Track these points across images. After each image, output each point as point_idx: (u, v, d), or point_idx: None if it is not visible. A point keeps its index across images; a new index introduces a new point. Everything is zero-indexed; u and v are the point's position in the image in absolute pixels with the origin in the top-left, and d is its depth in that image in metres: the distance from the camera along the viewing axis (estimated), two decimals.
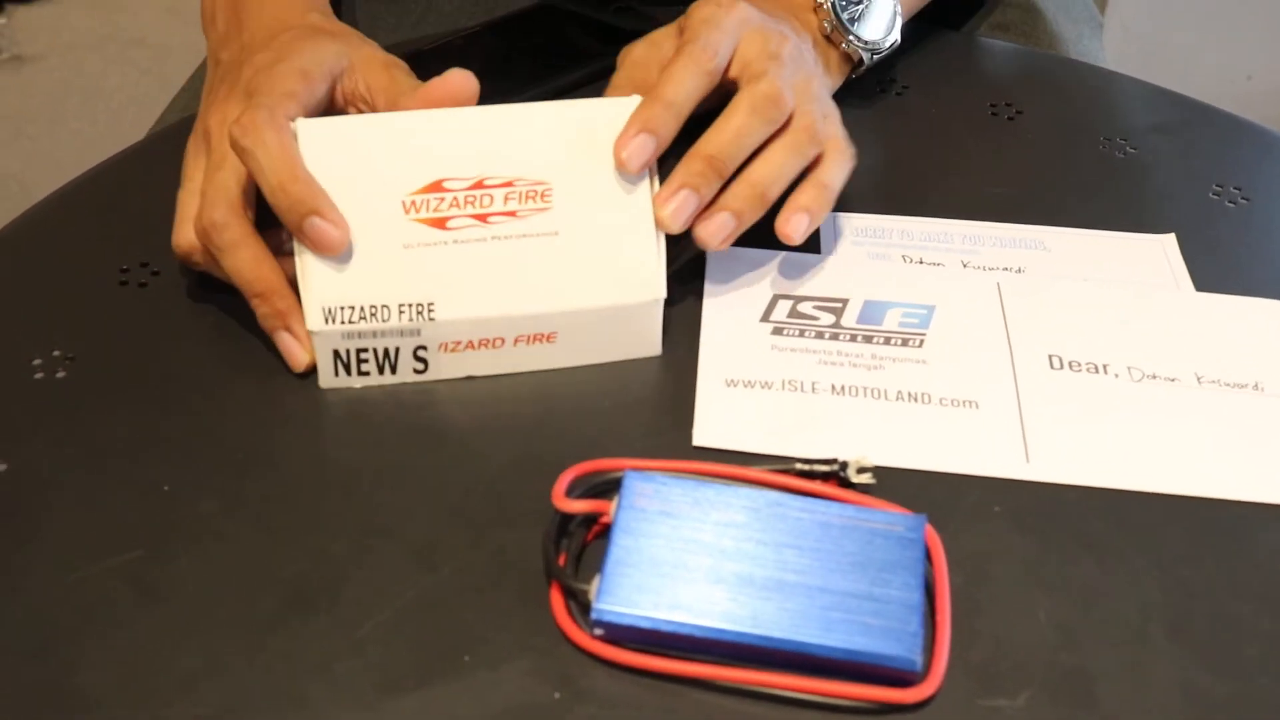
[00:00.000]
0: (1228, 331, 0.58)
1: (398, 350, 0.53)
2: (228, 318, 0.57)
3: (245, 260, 0.54)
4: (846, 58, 0.68)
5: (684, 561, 0.45)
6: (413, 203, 0.53)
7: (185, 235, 0.56)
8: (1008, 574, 0.47)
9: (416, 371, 0.54)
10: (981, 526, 0.49)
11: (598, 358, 0.55)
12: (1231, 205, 0.66)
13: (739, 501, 0.47)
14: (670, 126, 0.55)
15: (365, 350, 0.53)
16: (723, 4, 0.59)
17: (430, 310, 0.53)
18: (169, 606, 0.46)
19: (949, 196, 0.66)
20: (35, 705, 0.43)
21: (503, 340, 0.54)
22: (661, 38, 0.62)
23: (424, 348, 0.53)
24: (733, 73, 0.58)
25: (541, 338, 0.54)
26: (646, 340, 0.56)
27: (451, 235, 0.53)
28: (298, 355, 0.54)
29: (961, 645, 0.45)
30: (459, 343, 0.53)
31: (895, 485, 0.50)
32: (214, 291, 0.57)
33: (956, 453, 0.52)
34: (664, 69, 0.57)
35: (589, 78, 0.70)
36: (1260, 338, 0.57)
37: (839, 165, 0.58)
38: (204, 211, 0.54)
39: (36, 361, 0.55)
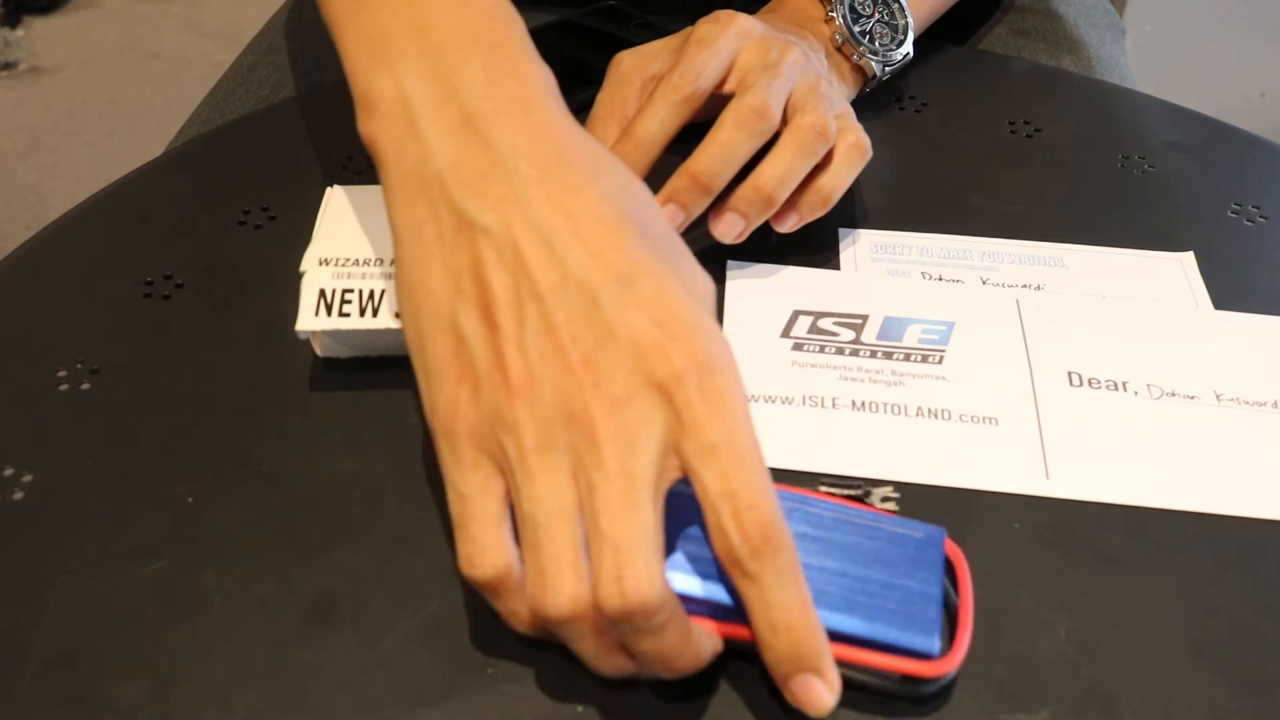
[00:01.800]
0: (1247, 350, 0.58)
1: (383, 293, 0.54)
2: (252, 329, 0.57)
3: (677, 639, 0.41)
4: (859, 70, 0.68)
5: (711, 574, 0.45)
6: None
7: (497, 559, 0.41)
8: (1028, 590, 0.47)
9: (397, 314, 0.53)
10: (1001, 543, 0.49)
11: None
12: (1250, 224, 0.66)
13: None
14: (640, 164, 0.58)
15: (350, 291, 0.54)
16: (722, 19, 0.60)
17: None
18: (194, 618, 0.46)
19: (968, 213, 0.66)
20: (62, 716, 0.43)
21: None
22: (652, 51, 0.62)
23: None
24: (729, 86, 0.59)
25: None
26: None
27: None
28: (823, 698, 0.41)
29: (982, 661, 0.45)
30: None
31: (915, 501, 0.50)
32: (238, 303, 0.58)
33: (976, 469, 0.52)
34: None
35: None
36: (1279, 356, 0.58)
37: (846, 167, 0.59)
38: (629, 578, 0.38)
39: (61, 373, 0.55)
